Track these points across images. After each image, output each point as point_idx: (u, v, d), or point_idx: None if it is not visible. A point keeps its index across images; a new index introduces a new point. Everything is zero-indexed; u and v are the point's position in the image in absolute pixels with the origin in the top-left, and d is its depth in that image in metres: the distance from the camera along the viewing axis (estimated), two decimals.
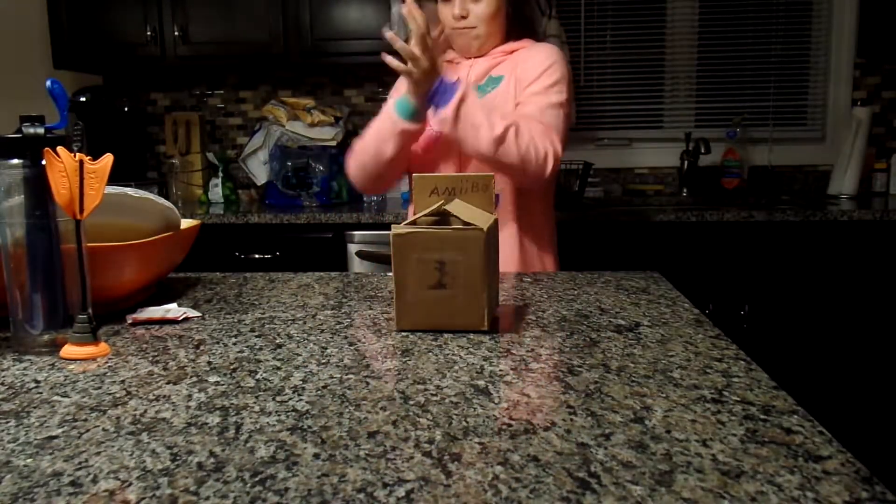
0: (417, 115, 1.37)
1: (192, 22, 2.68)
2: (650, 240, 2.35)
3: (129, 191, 1.02)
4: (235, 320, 0.97)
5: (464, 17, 1.47)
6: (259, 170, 2.86)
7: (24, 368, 0.78)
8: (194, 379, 0.73)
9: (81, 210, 0.80)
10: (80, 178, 0.79)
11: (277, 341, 0.86)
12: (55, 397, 0.69)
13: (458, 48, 1.54)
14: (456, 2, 1.47)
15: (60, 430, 0.60)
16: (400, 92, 1.45)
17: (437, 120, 1.33)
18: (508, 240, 1.49)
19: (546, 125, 1.38)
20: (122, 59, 2.75)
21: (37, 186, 0.81)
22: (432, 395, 0.67)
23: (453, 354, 0.80)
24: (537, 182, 1.37)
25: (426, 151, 1.51)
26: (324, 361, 0.78)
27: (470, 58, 1.54)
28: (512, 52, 1.52)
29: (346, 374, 0.74)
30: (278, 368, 0.76)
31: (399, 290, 0.88)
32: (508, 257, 1.49)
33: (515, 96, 1.46)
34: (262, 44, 2.67)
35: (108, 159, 0.82)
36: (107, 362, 0.79)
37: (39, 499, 0.49)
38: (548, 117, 1.40)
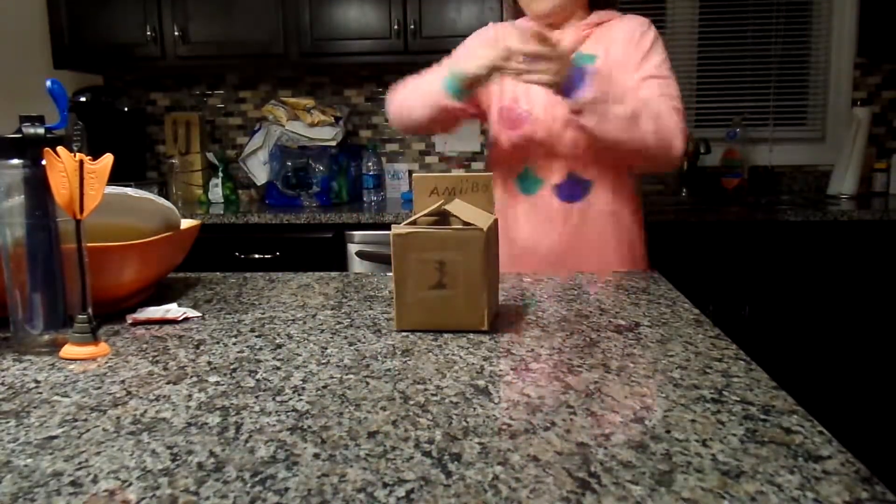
0: (465, 94, 1.35)
1: (192, 22, 2.68)
2: (650, 240, 2.35)
3: (129, 191, 1.02)
4: (235, 320, 0.97)
5: None
6: (259, 170, 2.86)
7: (24, 368, 0.78)
8: (194, 379, 0.73)
9: (81, 210, 0.80)
10: (80, 178, 0.79)
11: (277, 341, 0.86)
12: (55, 397, 0.69)
13: (534, 13, 1.48)
14: None
15: (60, 430, 0.60)
16: (460, 57, 1.42)
17: (570, 105, 1.29)
18: (616, 233, 1.49)
19: (669, 105, 1.34)
20: (122, 59, 2.75)
21: (37, 186, 0.81)
22: (432, 395, 0.67)
23: (453, 354, 0.80)
24: (670, 165, 1.36)
25: (514, 130, 1.48)
26: (324, 361, 0.78)
27: (550, 25, 1.48)
28: (599, 24, 1.47)
29: (346, 374, 0.74)
30: (278, 368, 0.76)
31: (399, 290, 0.88)
32: (618, 254, 1.50)
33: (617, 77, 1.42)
34: (262, 44, 2.67)
35: (108, 159, 0.82)
36: (107, 362, 0.79)
37: (39, 499, 0.49)
38: (668, 96, 1.36)
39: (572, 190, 1.45)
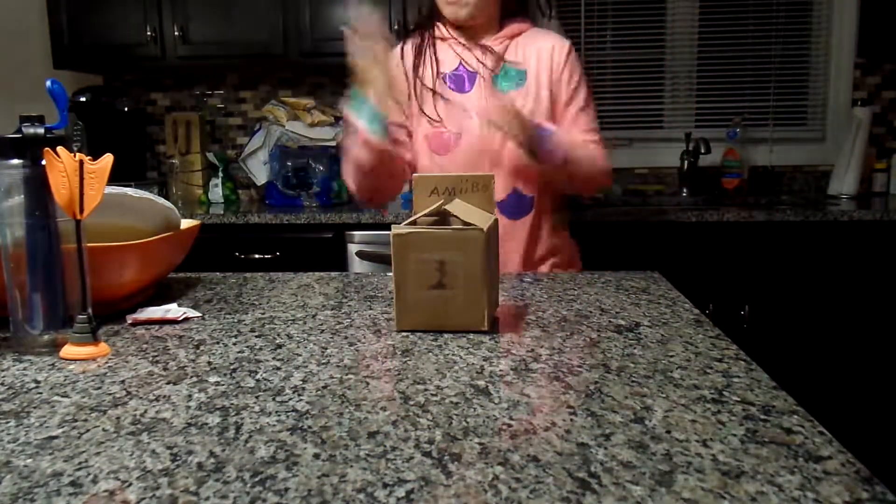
0: (380, 124, 1.32)
1: (192, 22, 2.68)
2: (650, 240, 2.35)
3: (129, 191, 1.02)
4: (235, 320, 0.97)
5: None
6: (259, 170, 2.86)
7: (24, 368, 0.78)
8: (194, 379, 0.73)
9: (81, 210, 0.80)
10: (80, 178, 0.79)
11: (277, 341, 0.86)
12: (55, 397, 0.69)
13: (454, 19, 1.46)
14: None
15: (60, 431, 0.60)
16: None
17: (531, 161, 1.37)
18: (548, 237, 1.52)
19: (599, 147, 1.47)
20: (122, 59, 2.75)
21: (37, 186, 0.81)
22: (432, 395, 0.67)
23: (453, 354, 0.80)
24: (593, 190, 1.53)
25: (444, 154, 1.46)
26: (324, 361, 0.78)
27: (468, 30, 1.48)
28: (514, 36, 1.49)
29: (346, 375, 0.74)
30: (278, 368, 0.76)
31: (399, 290, 0.88)
32: (563, 264, 1.54)
33: (549, 99, 1.46)
34: (262, 44, 2.67)
35: (108, 159, 0.82)
36: (107, 362, 0.79)
37: (39, 499, 0.49)
38: (593, 132, 1.48)
39: (517, 206, 1.45)
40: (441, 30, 1.51)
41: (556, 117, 1.46)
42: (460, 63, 1.48)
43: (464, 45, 1.49)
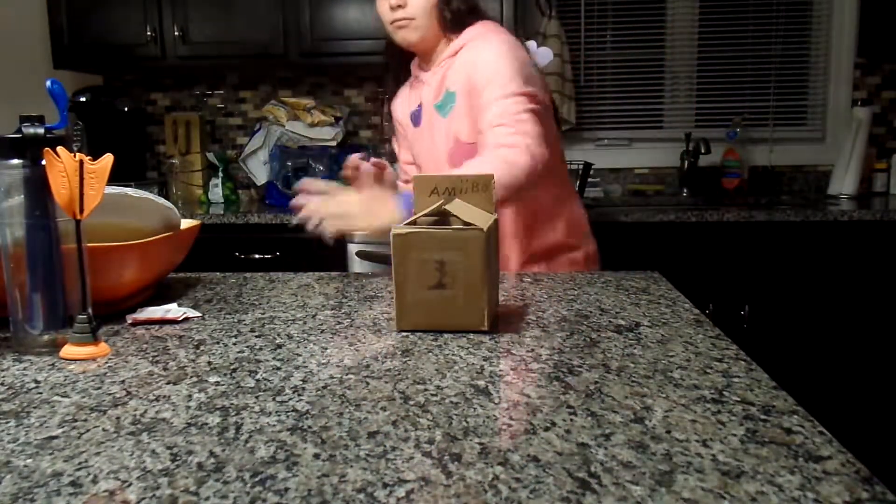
0: None
1: (192, 22, 2.68)
2: (650, 240, 2.35)
3: (129, 191, 1.02)
4: (235, 320, 0.97)
5: (401, 7, 1.36)
6: (259, 170, 2.86)
7: (24, 368, 0.78)
8: (194, 379, 0.73)
9: (81, 210, 0.80)
10: (80, 178, 0.79)
11: (277, 341, 0.86)
12: (55, 397, 0.69)
13: (403, 43, 1.42)
14: None
15: (60, 431, 0.60)
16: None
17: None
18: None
19: (510, 125, 1.26)
20: (122, 59, 2.75)
21: (37, 186, 0.81)
22: (432, 395, 0.67)
23: (453, 354, 0.80)
24: (530, 185, 1.26)
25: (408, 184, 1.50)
26: (324, 361, 0.78)
27: (420, 52, 1.45)
28: (455, 54, 1.39)
29: (346, 375, 0.74)
30: (278, 368, 0.76)
31: (399, 290, 0.88)
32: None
33: (471, 112, 1.35)
34: (262, 44, 2.67)
35: (108, 159, 0.82)
36: (107, 362, 0.79)
37: (39, 499, 0.49)
38: (507, 116, 1.26)
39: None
40: (414, 68, 1.50)
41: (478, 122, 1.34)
42: (419, 102, 1.48)
43: (420, 79, 1.47)
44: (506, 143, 1.24)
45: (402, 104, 1.55)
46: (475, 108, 1.34)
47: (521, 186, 1.23)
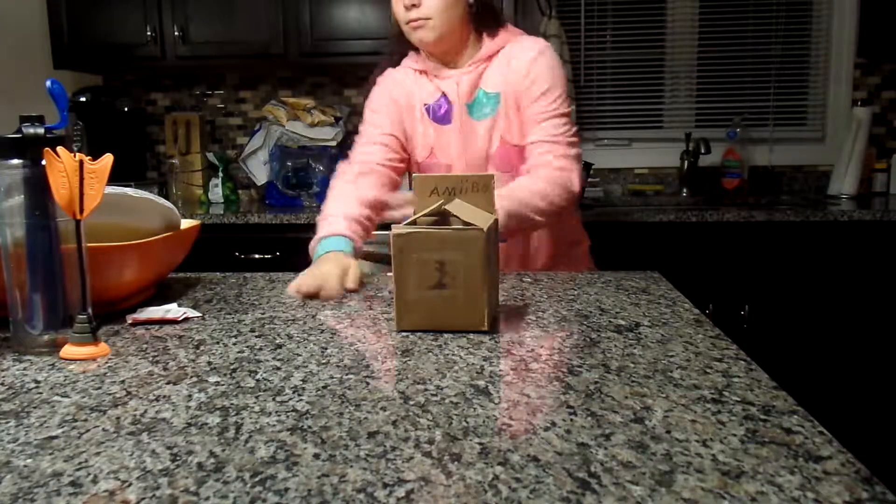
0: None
1: (192, 22, 2.68)
2: (650, 240, 2.35)
3: (129, 191, 1.02)
4: (235, 320, 0.97)
5: (415, 6, 1.33)
6: (259, 170, 2.86)
7: (24, 368, 0.78)
8: (194, 379, 0.73)
9: (81, 210, 0.80)
10: (80, 178, 0.79)
11: (277, 341, 0.86)
12: (55, 397, 0.69)
13: (419, 43, 1.39)
14: None
15: (60, 431, 0.60)
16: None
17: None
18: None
19: (559, 147, 1.35)
20: (122, 59, 2.75)
21: (37, 186, 0.81)
22: (432, 395, 0.67)
23: (453, 354, 0.80)
24: (571, 208, 1.39)
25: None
26: (324, 361, 0.78)
27: (443, 54, 1.42)
28: (491, 57, 1.40)
29: (346, 375, 0.74)
30: (278, 368, 0.76)
31: (399, 290, 0.88)
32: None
33: (518, 115, 1.39)
34: (262, 44, 2.67)
35: (108, 159, 0.82)
36: (107, 362, 0.79)
37: (39, 499, 0.49)
38: (559, 137, 1.36)
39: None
40: (420, 61, 1.46)
41: (526, 129, 1.39)
42: (441, 94, 1.44)
43: (441, 74, 1.44)
44: (560, 165, 1.34)
45: (401, 89, 1.48)
46: (524, 112, 1.39)
47: (566, 209, 1.35)
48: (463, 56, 1.43)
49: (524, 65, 1.38)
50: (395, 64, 1.51)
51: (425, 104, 1.46)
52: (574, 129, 1.40)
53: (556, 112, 1.37)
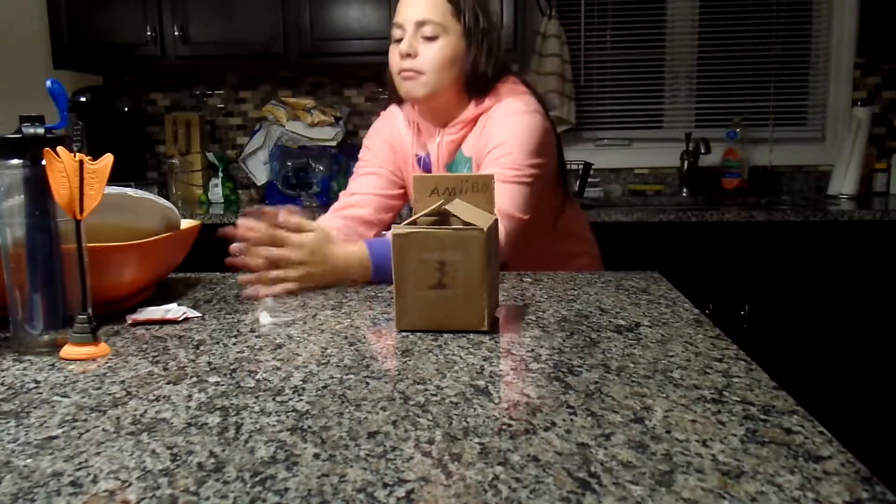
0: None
1: (192, 22, 2.68)
2: (650, 240, 2.35)
3: (129, 191, 1.02)
4: (235, 320, 0.97)
5: (410, 56, 1.28)
6: (259, 170, 2.86)
7: (24, 368, 0.78)
8: (194, 379, 0.73)
9: (81, 210, 0.80)
10: (80, 178, 0.79)
11: (277, 341, 0.86)
12: (55, 397, 0.69)
13: (409, 97, 1.34)
14: (406, 37, 1.28)
15: (60, 431, 0.60)
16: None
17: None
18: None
19: (500, 207, 1.18)
20: (122, 59, 2.75)
21: (37, 186, 0.81)
22: (432, 395, 0.67)
23: (453, 354, 0.80)
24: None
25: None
26: (324, 361, 0.78)
27: (432, 110, 1.37)
28: (476, 119, 1.34)
29: (346, 375, 0.74)
30: (278, 368, 0.76)
31: (399, 290, 0.88)
32: None
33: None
34: (262, 44, 2.67)
35: (108, 159, 0.82)
36: (107, 362, 0.79)
37: (39, 499, 0.49)
38: (502, 196, 1.21)
39: None
40: (414, 114, 1.41)
41: None
42: (427, 152, 1.42)
43: (427, 133, 1.41)
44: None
45: (398, 135, 1.47)
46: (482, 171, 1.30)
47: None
48: (449, 115, 1.37)
49: (490, 129, 1.31)
50: (400, 102, 1.45)
51: (416, 154, 1.45)
52: (524, 195, 1.25)
53: (506, 176, 1.24)
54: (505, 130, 1.28)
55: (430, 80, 1.29)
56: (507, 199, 1.23)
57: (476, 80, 1.32)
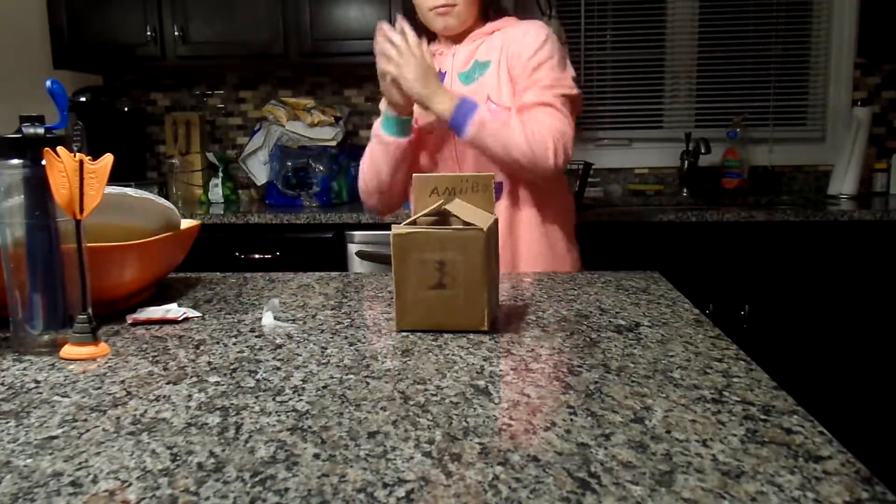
0: (400, 126, 1.43)
1: (192, 22, 2.68)
2: (650, 240, 2.35)
3: (129, 191, 1.02)
4: (235, 320, 0.97)
5: None
6: (259, 170, 2.86)
7: (24, 368, 0.78)
8: (194, 379, 0.73)
9: (81, 210, 0.80)
10: (80, 178, 0.79)
11: (277, 341, 0.86)
12: (55, 397, 0.69)
13: (437, 31, 1.50)
14: None
15: (60, 431, 0.60)
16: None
17: (457, 132, 1.36)
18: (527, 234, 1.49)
19: (551, 116, 1.36)
20: (122, 59, 2.75)
21: (37, 186, 0.81)
22: (432, 395, 0.67)
23: (453, 354, 0.80)
24: (543, 178, 1.39)
25: (420, 151, 1.53)
26: (324, 361, 0.78)
27: (450, 43, 1.52)
28: (492, 32, 1.48)
29: (346, 374, 0.74)
30: (278, 368, 0.76)
31: (399, 290, 0.88)
32: (542, 252, 1.50)
33: (509, 80, 1.42)
34: (262, 44, 2.67)
35: (108, 159, 0.82)
36: (107, 362, 0.79)
37: (39, 499, 0.49)
38: (550, 108, 1.37)
39: None
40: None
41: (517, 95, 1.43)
42: (440, 69, 1.50)
43: (444, 51, 1.52)
44: (541, 127, 1.35)
45: None
46: (515, 74, 1.42)
47: (525, 172, 1.38)
48: (464, 36, 1.50)
49: (525, 37, 1.43)
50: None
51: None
52: (569, 113, 1.40)
53: (546, 102, 1.38)
54: (537, 44, 1.42)
55: (461, 10, 1.44)
56: (558, 117, 1.37)
57: (492, 2, 1.52)
